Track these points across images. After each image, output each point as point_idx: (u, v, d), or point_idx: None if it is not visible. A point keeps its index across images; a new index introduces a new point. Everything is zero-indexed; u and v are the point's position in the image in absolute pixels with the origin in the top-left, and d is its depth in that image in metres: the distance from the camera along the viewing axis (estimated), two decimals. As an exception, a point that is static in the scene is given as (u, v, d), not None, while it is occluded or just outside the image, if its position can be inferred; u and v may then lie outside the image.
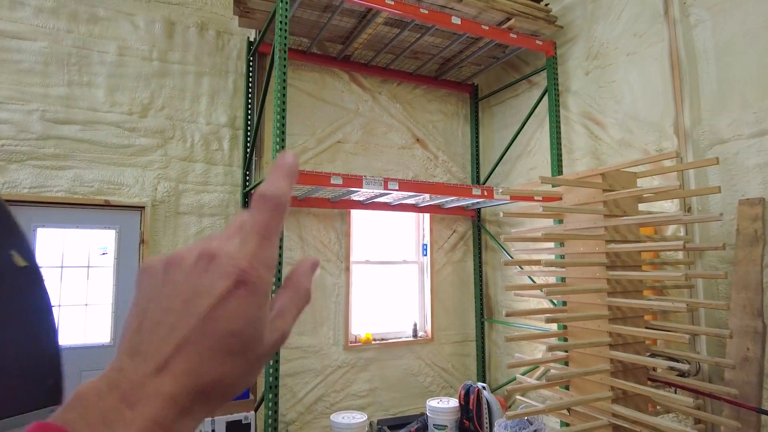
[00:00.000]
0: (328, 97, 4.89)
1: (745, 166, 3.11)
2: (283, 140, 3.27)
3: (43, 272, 0.92)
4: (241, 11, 3.99)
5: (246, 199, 4.37)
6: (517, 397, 3.24)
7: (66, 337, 3.73)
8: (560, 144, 4.41)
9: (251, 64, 4.50)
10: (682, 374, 2.61)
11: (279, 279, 3.24)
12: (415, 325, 5.12)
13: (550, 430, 4.10)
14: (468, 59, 4.87)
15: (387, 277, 5.14)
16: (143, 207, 4.00)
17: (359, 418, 4.17)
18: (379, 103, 5.15)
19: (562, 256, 3.16)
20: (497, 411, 4.22)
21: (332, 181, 3.39)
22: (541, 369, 4.35)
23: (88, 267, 3.85)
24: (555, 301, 4.27)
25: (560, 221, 3.45)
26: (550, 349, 2.46)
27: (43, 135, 3.76)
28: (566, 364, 2.95)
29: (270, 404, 3.14)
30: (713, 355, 3.18)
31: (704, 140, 3.36)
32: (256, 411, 3.81)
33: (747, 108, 3.14)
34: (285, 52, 3.32)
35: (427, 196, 4.34)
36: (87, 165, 3.87)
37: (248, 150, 4.40)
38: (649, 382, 2.86)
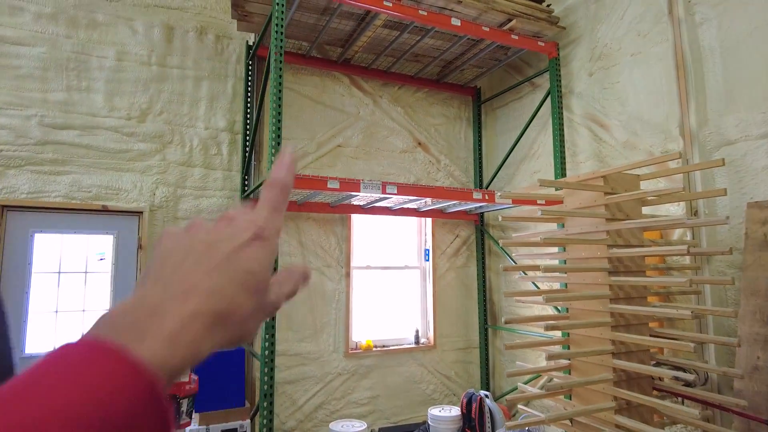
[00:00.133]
0: (329, 100, 4.85)
1: (754, 168, 3.01)
2: (278, 144, 3.22)
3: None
4: (239, 15, 3.97)
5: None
6: (519, 406, 3.15)
7: (62, 344, 3.70)
8: (563, 147, 4.32)
9: (250, 68, 4.48)
10: (687, 384, 2.51)
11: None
12: (417, 331, 5.04)
13: (554, 440, 3.99)
14: (470, 62, 4.82)
15: (388, 282, 5.07)
16: (141, 212, 3.98)
17: (359, 426, 4.09)
18: (380, 107, 5.10)
19: (566, 262, 3.08)
20: (500, 420, 4.12)
21: (329, 185, 3.34)
22: (545, 378, 4.25)
23: (86, 272, 3.82)
24: (559, 308, 4.17)
25: (563, 225, 3.36)
26: (550, 357, 2.37)
27: (41, 140, 3.75)
28: (569, 372, 2.86)
29: (265, 413, 3.08)
30: (723, 363, 3.07)
31: (711, 141, 3.27)
32: (252, 419, 3.75)
33: (755, 108, 3.04)
34: (281, 55, 3.28)
35: (429, 200, 4.27)
36: (85, 170, 3.86)
37: (247, 154, 4.37)
38: (655, 392, 2.76)
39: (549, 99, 4.57)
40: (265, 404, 3.02)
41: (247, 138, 4.41)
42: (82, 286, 3.80)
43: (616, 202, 2.62)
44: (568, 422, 2.73)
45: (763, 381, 2.60)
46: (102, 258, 3.87)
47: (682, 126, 3.43)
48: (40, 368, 0.28)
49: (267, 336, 3.09)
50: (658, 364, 2.74)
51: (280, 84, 3.24)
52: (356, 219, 4.95)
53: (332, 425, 4.12)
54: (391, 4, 3.69)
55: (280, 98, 3.23)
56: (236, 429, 3.38)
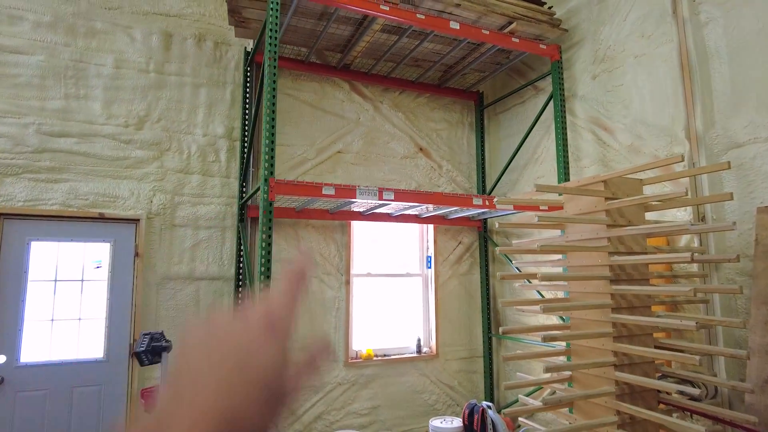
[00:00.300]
0: (328, 106, 4.81)
1: (764, 171, 2.89)
2: (272, 149, 3.18)
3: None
4: (237, 21, 3.95)
5: (242, 211, 4.29)
6: (520, 419, 3.04)
7: (59, 352, 3.68)
8: (567, 151, 4.22)
9: (248, 74, 4.45)
10: (693, 399, 2.39)
11: (268, 286, 3.12)
12: (419, 340, 4.94)
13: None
14: (471, 66, 4.75)
15: (389, 290, 4.99)
16: (138, 219, 3.96)
17: (358, 438, 4.00)
18: (380, 113, 5.05)
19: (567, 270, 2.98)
20: (503, 432, 4.00)
21: (324, 192, 3.28)
22: (548, 389, 4.13)
23: (82, 281, 3.80)
24: (564, 318, 4.06)
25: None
26: (547, 370, 2.27)
27: (38, 148, 3.75)
28: (572, 385, 2.75)
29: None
30: (734, 376, 2.94)
31: (718, 144, 3.15)
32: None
33: (763, 109, 2.93)
34: (275, 60, 3.24)
35: (430, 206, 4.20)
36: (82, 178, 3.85)
37: (244, 161, 4.34)
38: (662, 406, 2.64)
39: (552, 103, 4.48)
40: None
41: (245, 145, 4.37)
42: (78, 294, 3.78)
43: (617, 207, 2.53)
44: (569, 437, 2.61)
45: (776, 395, 2.47)
46: (98, 266, 3.85)
47: (688, 129, 3.32)
48: None
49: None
50: (664, 376, 2.63)
51: (274, 89, 3.20)
52: (356, 226, 4.89)
53: (330, 437, 4.03)
54: (387, 8, 3.64)
55: (274, 103, 3.19)
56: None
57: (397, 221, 4.78)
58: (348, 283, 4.67)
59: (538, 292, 4.59)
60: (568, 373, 2.77)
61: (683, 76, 3.38)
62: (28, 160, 3.71)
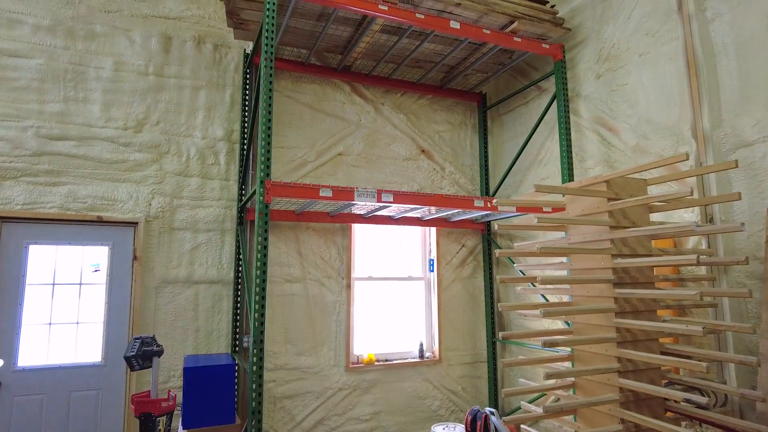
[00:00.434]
0: (329, 108, 4.77)
1: (774, 171, 2.80)
2: (268, 151, 3.13)
3: None
4: (235, 23, 3.92)
5: (241, 214, 4.25)
6: (522, 427, 2.95)
7: (56, 356, 3.65)
8: (571, 152, 4.14)
9: (248, 76, 4.43)
10: (701, 407, 2.29)
11: (264, 289, 3.08)
12: (422, 345, 4.87)
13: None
14: (473, 66, 4.68)
15: (391, 294, 4.92)
16: (136, 223, 3.93)
17: (358, 444, 3.93)
18: (381, 114, 5.00)
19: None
20: (506, 440, 3.90)
21: (322, 194, 3.23)
22: (552, 396, 4.03)
23: (80, 284, 3.78)
24: (569, 322, 3.96)
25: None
26: (548, 377, 2.19)
27: (37, 151, 3.74)
28: (575, 391, 2.67)
29: (253, 431, 2.95)
30: (744, 383, 2.83)
31: (726, 143, 3.06)
32: (246, 436, 3.63)
33: (773, 107, 2.83)
34: (271, 60, 3.21)
35: (433, 208, 4.13)
36: (81, 181, 3.83)
37: (242, 164, 4.31)
38: (669, 414, 2.55)
39: (555, 103, 4.40)
40: (253, 422, 2.89)
41: (244, 147, 4.34)
42: (76, 297, 3.75)
43: (620, 208, 2.45)
44: (572, 446, 2.53)
45: (788, 404, 2.37)
46: (97, 269, 3.83)
47: (694, 128, 3.23)
48: None
49: (255, 351, 2.97)
50: (671, 383, 2.53)
51: (270, 90, 3.16)
52: (357, 229, 4.83)
53: (330, 443, 3.96)
54: (386, 8, 3.60)
55: (270, 104, 3.15)
56: (227, 447, 3.26)
57: (399, 224, 4.72)
58: (349, 286, 4.61)
59: (543, 296, 4.50)
60: (571, 379, 2.69)
61: (689, 74, 3.29)
62: (26, 164, 3.71)
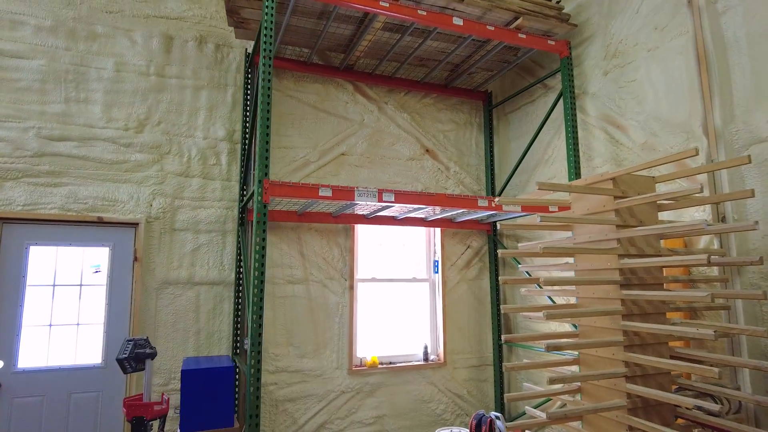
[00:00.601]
0: (332, 108, 4.72)
1: (789, 168, 2.69)
2: (267, 150, 3.08)
3: None
4: (236, 22, 3.89)
5: (242, 215, 4.21)
6: (526, 433, 2.86)
7: (56, 358, 3.63)
8: (578, 151, 4.05)
9: (249, 75, 4.39)
10: (713, 414, 2.19)
11: (262, 290, 3.03)
12: (426, 347, 4.79)
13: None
14: (477, 64, 4.61)
15: (395, 296, 4.85)
16: (137, 224, 3.91)
17: (360, 449, 3.86)
18: (385, 114, 4.94)
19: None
20: (512, 445, 3.80)
21: (321, 193, 3.17)
22: (559, 402, 3.93)
23: (81, 285, 3.76)
24: (576, 325, 3.86)
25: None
26: (552, 381, 2.11)
27: (38, 152, 3.74)
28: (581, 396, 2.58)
29: (252, 435, 2.89)
30: (759, 389, 2.72)
31: (739, 140, 2.95)
32: (246, 440, 3.57)
33: (788, 101, 2.72)
34: (270, 58, 3.16)
35: (437, 209, 4.06)
36: (81, 181, 3.82)
37: (244, 164, 4.27)
38: (680, 421, 2.44)
39: (561, 101, 4.31)
40: (250, 425, 2.84)
41: (245, 147, 4.30)
42: (76, 299, 3.73)
43: (627, 206, 2.36)
44: (578, 454, 2.44)
45: (806, 411, 2.26)
46: (97, 270, 3.80)
47: (705, 124, 3.12)
48: None
49: (253, 353, 2.91)
50: (681, 389, 2.43)
51: (269, 88, 3.11)
52: (360, 229, 4.77)
53: (332, 447, 3.89)
54: (387, 5, 3.54)
55: (269, 102, 3.10)
56: (225, 451, 3.20)
57: (403, 225, 4.65)
58: (352, 288, 4.55)
59: (550, 297, 4.40)
60: (576, 384, 2.60)
61: (700, 69, 3.19)
62: (27, 164, 3.70)
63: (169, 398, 2.53)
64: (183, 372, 2.98)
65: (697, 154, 2.08)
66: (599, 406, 2.19)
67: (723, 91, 3.07)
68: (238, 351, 4.08)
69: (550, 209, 3.96)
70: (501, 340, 4.98)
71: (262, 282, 2.97)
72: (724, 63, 3.08)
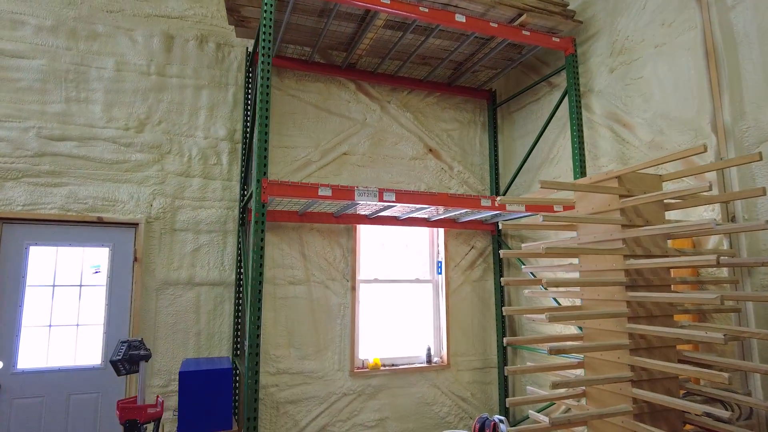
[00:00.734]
0: (334, 107, 4.67)
1: (801, 166, 2.60)
2: (265, 149, 3.04)
3: None
4: (236, 20, 3.86)
5: (243, 215, 4.18)
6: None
7: (56, 359, 3.61)
8: (583, 149, 3.97)
9: (250, 75, 4.36)
10: (722, 421, 2.12)
11: (260, 291, 2.99)
12: (429, 349, 4.72)
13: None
14: (481, 62, 4.54)
15: (397, 297, 4.79)
16: (137, 224, 3.88)
17: (361, 452, 3.80)
18: (388, 113, 4.89)
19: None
20: (516, 450, 3.73)
21: (321, 193, 3.13)
22: (563, 406, 3.85)
23: (81, 286, 3.74)
24: (582, 327, 3.78)
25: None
26: (554, 386, 2.05)
27: (38, 152, 3.72)
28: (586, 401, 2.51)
29: (250, 438, 2.85)
30: (770, 393, 2.63)
31: (749, 137, 2.87)
32: (246, 442, 3.53)
33: (800, 97, 2.64)
34: (269, 56, 3.12)
35: (440, 208, 4.00)
36: (82, 181, 3.80)
37: (244, 163, 4.23)
38: (688, 427, 2.37)
39: (566, 99, 4.24)
40: (248, 428, 2.79)
41: (245, 147, 4.27)
42: (76, 299, 3.71)
43: (633, 205, 2.29)
44: (582, 460, 2.37)
45: (820, 418, 2.18)
46: (97, 271, 3.78)
47: (714, 121, 3.04)
48: None
49: (251, 354, 2.87)
50: (689, 394, 2.36)
51: (268, 86, 3.07)
52: (363, 230, 4.72)
53: (333, 450, 3.85)
54: (389, 1, 3.49)
55: (267, 100, 3.06)
56: (224, 454, 3.16)
57: (405, 225, 4.59)
58: (354, 289, 4.50)
59: (555, 299, 4.33)
60: (581, 388, 2.53)
61: (708, 65, 3.11)
62: (27, 164, 3.69)
63: (163, 401, 2.49)
64: (181, 373, 2.94)
65: (705, 150, 2.01)
66: (604, 411, 2.12)
67: (732, 87, 2.98)
68: (238, 352, 4.04)
69: (555, 209, 3.89)
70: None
71: (260, 282, 2.93)
72: (733, 58, 3.00)
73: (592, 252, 2.18)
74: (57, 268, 3.69)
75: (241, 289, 4.13)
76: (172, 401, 3.84)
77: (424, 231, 5.03)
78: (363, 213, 4.40)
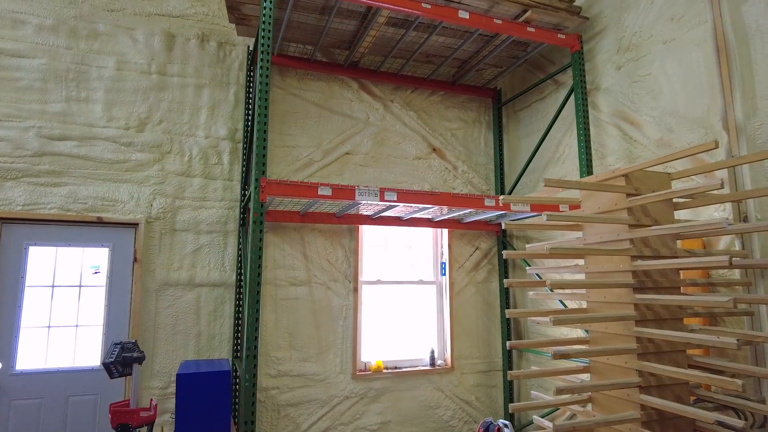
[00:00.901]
0: (336, 106, 4.62)
1: (817, 164, 2.51)
2: (264, 147, 2.99)
3: None
4: (237, 18, 3.82)
5: (243, 215, 4.14)
6: (534, 444, 2.72)
7: (55, 360, 3.58)
8: (590, 148, 3.89)
9: (251, 73, 4.32)
10: (735, 429, 2.03)
11: (258, 292, 2.94)
12: (433, 352, 4.65)
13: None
14: (486, 60, 4.47)
15: (401, 298, 4.73)
16: (137, 224, 3.85)
17: (363, 456, 3.74)
18: (391, 112, 4.82)
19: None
20: (521, 455, 3.65)
21: (320, 192, 3.07)
22: (569, 411, 3.76)
23: (80, 286, 3.71)
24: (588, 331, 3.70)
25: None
26: (558, 392, 1.97)
27: (38, 152, 3.70)
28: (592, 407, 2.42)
29: (248, 442, 2.79)
30: (785, 400, 2.53)
31: (762, 134, 2.77)
32: (245, 446, 3.48)
33: (815, 92, 2.54)
34: (268, 53, 3.07)
35: (444, 208, 3.93)
36: (81, 181, 3.78)
37: (245, 163, 4.19)
38: (698, 434, 2.28)
39: (573, 97, 4.15)
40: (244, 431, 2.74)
41: (245, 146, 4.23)
42: (75, 300, 3.68)
43: (640, 204, 2.21)
44: (588, 468, 2.29)
45: (838, 426, 2.08)
46: (96, 271, 3.75)
47: (725, 118, 2.95)
48: None
49: (248, 357, 2.82)
50: (700, 401, 2.27)
51: (266, 84, 3.02)
52: (365, 230, 4.66)
53: (334, 454, 3.78)
54: (390, -2, 3.43)
55: (266, 98, 3.01)
56: (222, 458, 3.11)
57: (408, 225, 4.53)
58: (356, 290, 4.44)
59: (561, 301, 4.24)
60: (587, 393, 2.45)
61: (719, 60, 3.02)
62: (27, 164, 3.67)
63: (157, 404, 2.44)
64: (178, 375, 2.90)
65: (717, 146, 1.92)
66: (611, 418, 2.04)
67: (744, 83, 2.89)
68: (238, 354, 3.99)
69: (560, 208, 3.81)
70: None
71: (259, 284, 2.88)
72: (745, 53, 2.90)
73: (598, 252, 2.10)
74: (56, 268, 3.67)
75: (241, 290, 4.08)
76: (172, 403, 3.79)
77: (428, 232, 4.96)
78: (365, 213, 4.34)
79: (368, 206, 3.88)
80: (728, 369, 2.13)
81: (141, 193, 3.92)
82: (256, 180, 2.96)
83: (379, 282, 4.64)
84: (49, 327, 3.60)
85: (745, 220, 2.77)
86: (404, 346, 4.66)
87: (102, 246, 3.78)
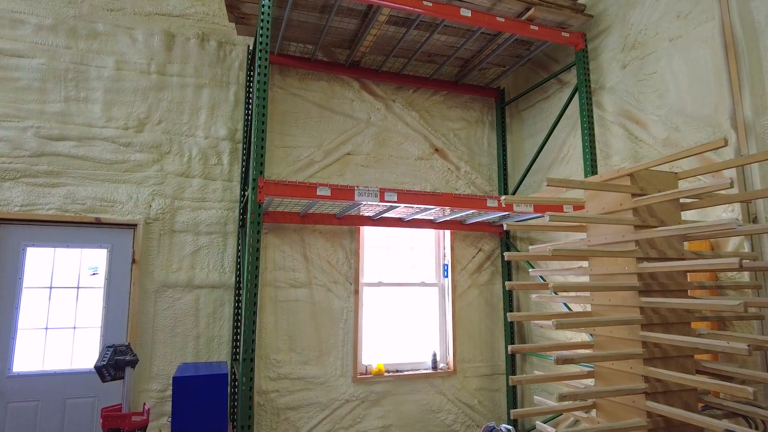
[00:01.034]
0: (337, 106, 4.58)
1: (829, 163, 2.43)
2: (262, 147, 2.95)
3: None
4: (236, 17, 3.79)
5: (243, 216, 4.09)
6: (537, 450, 2.65)
7: (52, 362, 3.55)
8: (594, 148, 3.82)
9: (251, 73, 4.28)
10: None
11: (255, 294, 2.89)
12: (435, 355, 4.58)
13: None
14: (489, 59, 4.41)
15: (402, 301, 4.67)
16: (136, 225, 3.82)
17: (363, 461, 3.68)
18: (392, 112, 4.77)
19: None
20: (524, 461, 3.58)
21: (319, 192, 3.02)
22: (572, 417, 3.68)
23: (78, 288, 3.68)
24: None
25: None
26: (561, 398, 1.91)
27: (36, 152, 3.68)
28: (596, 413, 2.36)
29: (244, 447, 2.74)
30: (796, 407, 2.45)
31: (771, 133, 2.70)
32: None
33: (827, 89, 2.47)
34: (266, 52, 3.03)
35: (446, 209, 3.87)
36: (80, 182, 3.75)
37: (244, 164, 4.15)
38: (706, 442, 2.21)
39: (577, 96, 4.09)
40: (242, 438, 2.69)
41: (245, 147, 4.19)
42: (73, 301, 3.65)
43: (646, 205, 2.14)
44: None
45: None
46: (95, 272, 3.72)
47: (734, 117, 2.87)
48: None
49: (245, 359, 2.77)
50: (708, 408, 2.20)
51: (265, 83, 2.98)
52: (366, 231, 4.61)
53: (334, 459, 3.73)
54: (391, -4, 3.38)
55: (264, 98, 2.97)
56: (219, 462, 3.06)
57: (410, 227, 4.47)
58: (357, 292, 4.38)
59: (565, 304, 4.16)
60: (591, 400, 2.38)
61: (727, 57, 2.94)
62: (26, 164, 3.64)
63: (149, 408, 2.40)
64: (174, 379, 2.85)
65: (726, 144, 1.86)
66: (616, 425, 1.97)
67: (754, 80, 2.82)
68: (237, 357, 3.95)
69: (564, 209, 3.74)
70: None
71: (256, 285, 2.83)
72: (754, 50, 2.83)
73: (603, 254, 2.04)
74: (54, 269, 3.64)
75: (240, 291, 4.04)
76: (170, 406, 3.75)
77: (430, 233, 4.90)
78: (366, 214, 4.29)
79: (369, 207, 3.83)
80: (738, 375, 2.05)
81: (140, 194, 3.88)
82: (254, 180, 2.91)
83: (380, 284, 4.59)
84: (46, 329, 3.57)
85: (755, 220, 2.69)
86: (406, 349, 4.60)
87: (100, 247, 3.75)
